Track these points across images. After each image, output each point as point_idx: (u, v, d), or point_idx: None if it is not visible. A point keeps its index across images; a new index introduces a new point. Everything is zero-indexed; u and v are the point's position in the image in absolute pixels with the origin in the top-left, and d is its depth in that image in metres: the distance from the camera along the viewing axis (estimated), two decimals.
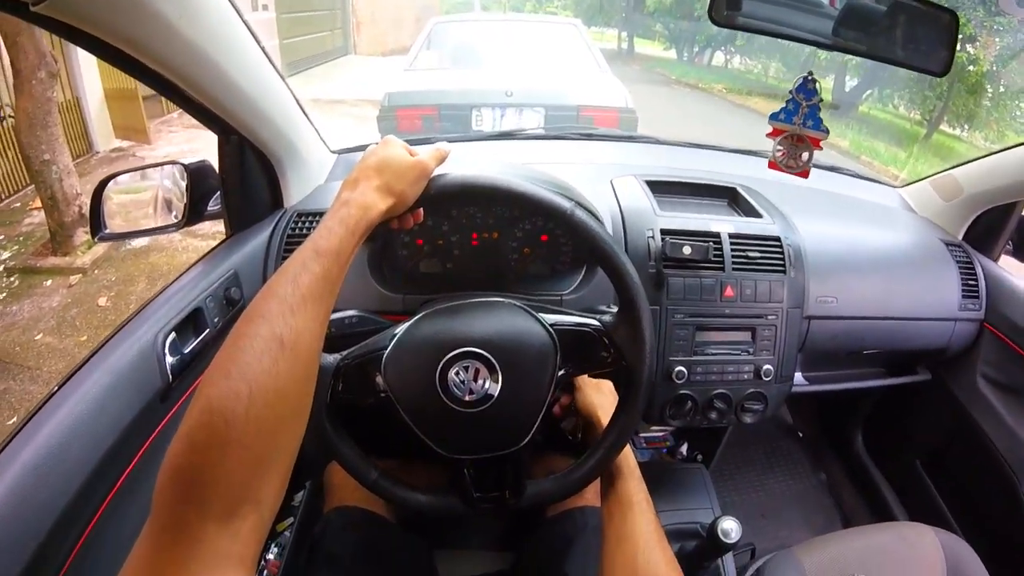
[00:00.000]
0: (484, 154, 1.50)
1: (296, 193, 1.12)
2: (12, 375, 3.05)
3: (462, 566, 1.03)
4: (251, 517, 0.45)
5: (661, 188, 1.20)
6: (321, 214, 1.05)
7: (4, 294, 3.72)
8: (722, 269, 1.04)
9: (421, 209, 0.71)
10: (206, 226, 3.84)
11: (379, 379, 0.71)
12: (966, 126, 7.84)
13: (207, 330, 0.90)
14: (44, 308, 3.59)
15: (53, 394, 0.70)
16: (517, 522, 1.11)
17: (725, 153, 1.59)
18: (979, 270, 1.27)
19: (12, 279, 3.87)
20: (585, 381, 0.92)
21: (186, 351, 0.85)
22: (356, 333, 0.81)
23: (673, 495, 1.29)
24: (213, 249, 1.01)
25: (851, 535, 1.07)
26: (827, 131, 0.96)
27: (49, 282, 3.83)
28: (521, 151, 1.57)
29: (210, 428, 0.44)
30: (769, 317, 1.05)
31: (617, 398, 0.90)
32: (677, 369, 1.02)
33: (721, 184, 1.26)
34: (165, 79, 0.76)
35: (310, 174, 1.16)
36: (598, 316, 0.75)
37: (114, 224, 1.00)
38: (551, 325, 0.72)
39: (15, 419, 2.76)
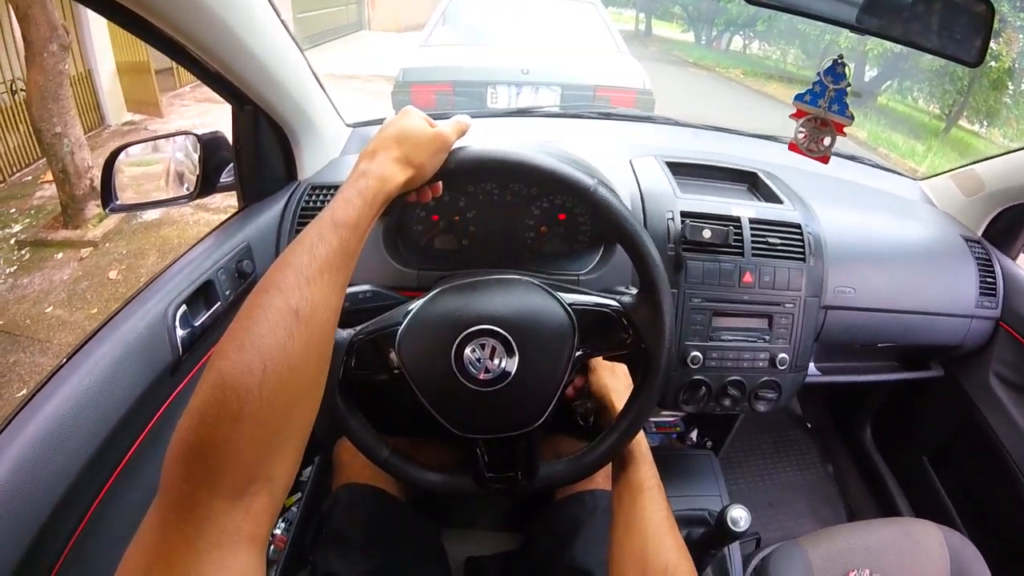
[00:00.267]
0: (503, 130, 1.48)
1: (310, 166, 1.11)
2: (22, 347, 3.08)
3: (470, 545, 1.03)
4: (262, 495, 0.44)
5: (681, 170, 1.18)
6: (335, 188, 1.04)
7: (15, 267, 3.75)
8: (741, 254, 1.02)
9: (440, 182, 0.69)
10: (217, 200, 3.86)
11: (393, 355, 0.70)
12: (985, 122, 7.74)
13: (218, 303, 0.89)
14: (55, 281, 3.61)
15: (62, 366, 0.69)
16: (526, 503, 1.10)
17: (744, 137, 1.56)
18: (997, 268, 1.25)
19: (23, 252, 3.90)
20: (599, 364, 0.91)
21: (197, 324, 0.84)
22: (370, 308, 0.80)
23: (682, 481, 1.29)
24: (225, 221, 1.00)
25: (856, 528, 1.07)
26: (852, 117, 0.94)
27: (60, 255, 3.86)
28: (538, 128, 1.55)
29: (222, 403, 0.43)
30: (787, 305, 1.04)
31: (631, 382, 0.90)
32: (692, 354, 1.01)
33: (742, 168, 1.24)
34: (181, 46, 0.75)
35: (325, 147, 1.15)
36: (617, 297, 0.74)
37: (125, 196, 1.00)
38: (569, 304, 0.71)
39: (25, 391, 2.79)
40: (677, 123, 1.58)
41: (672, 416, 1.50)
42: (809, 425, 1.91)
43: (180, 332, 0.80)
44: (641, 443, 0.80)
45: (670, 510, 0.74)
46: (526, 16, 4.67)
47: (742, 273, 1.02)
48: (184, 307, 0.82)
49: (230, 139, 1.01)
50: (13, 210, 4.41)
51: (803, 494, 1.72)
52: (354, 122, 1.30)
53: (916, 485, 1.58)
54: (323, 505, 0.96)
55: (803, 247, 1.05)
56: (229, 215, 1.03)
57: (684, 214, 1.04)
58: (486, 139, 0.70)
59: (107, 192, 0.97)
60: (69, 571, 0.64)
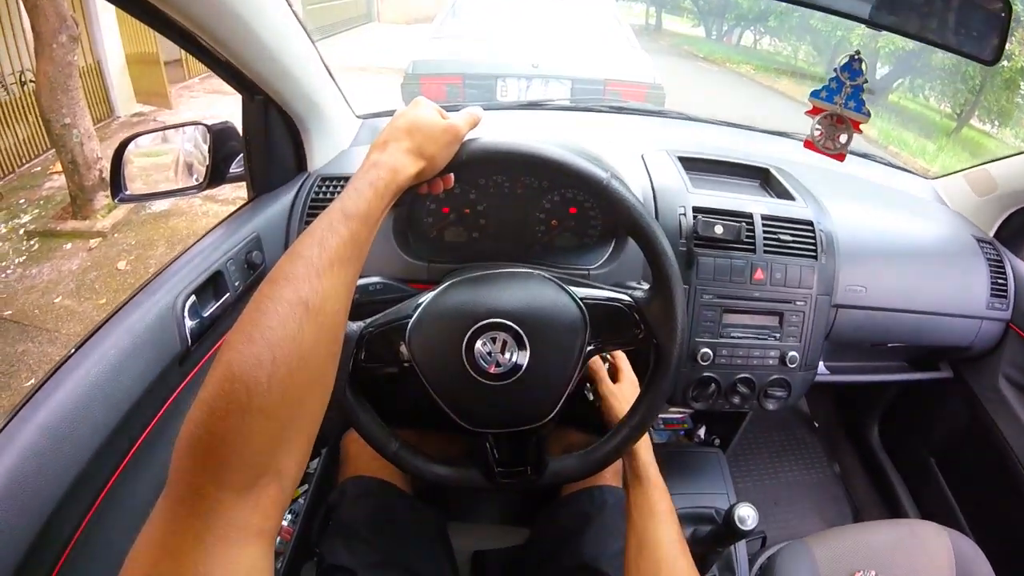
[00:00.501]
0: (514, 123, 1.47)
1: (320, 157, 1.10)
2: (31, 337, 3.10)
3: (476, 539, 1.03)
4: (271, 488, 0.44)
5: (693, 165, 1.18)
6: (345, 179, 1.04)
7: (24, 257, 3.77)
8: (753, 251, 1.02)
9: (451, 174, 0.69)
10: (226, 191, 3.87)
11: (403, 348, 0.70)
12: (997, 122, 7.67)
13: (227, 294, 0.89)
14: (63, 271, 3.63)
15: (70, 356, 0.69)
16: (532, 498, 1.10)
17: (756, 133, 1.55)
18: (1009, 269, 1.24)
19: (32, 242, 3.91)
20: (606, 375, 0.91)
21: (206, 315, 0.84)
22: (380, 300, 0.80)
23: (689, 478, 1.29)
24: (235, 212, 1.00)
25: (862, 529, 1.07)
26: (869, 114, 0.93)
27: (69, 245, 3.87)
28: (549, 121, 1.55)
29: (231, 395, 0.42)
30: (798, 303, 1.03)
31: (637, 390, 0.90)
32: (703, 351, 1.01)
33: (754, 164, 1.23)
34: (191, 35, 0.74)
35: (335, 138, 1.14)
36: (629, 292, 0.73)
37: (135, 187, 1.00)
38: (581, 299, 0.71)
39: (33, 381, 2.80)
40: (688, 118, 1.57)
41: (680, 413, 1.50)
42: (816, 424, 1.90)
43: (189, 323, 0.80)
44: (651, 466, 0.81)
45: (681, 533, 0.76)
46: (536, 9, 4.66)
47: (753, 270, 1.01)
48: (193, 298, 0.82)
49: (240, 130, 1.01)
50: (22, 200, 4.43)
51: (809, 493, 1.71)
52: (364, 113, 1.30)
53: (923, 486, 1.57)
54: (330, 497, 0.96)
55: (815, 244, 1.04)
56: (238, 206, 1.03)
57: (696, 209, 1.03)
58: (498, 132, 0.70)
59: (116, 182, 0.97)
60: (76, 561, 0.64)
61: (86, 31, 5.27)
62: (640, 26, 14.27)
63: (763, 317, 1.03)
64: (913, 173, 1.56)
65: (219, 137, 0.99)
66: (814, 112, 0.93)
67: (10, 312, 3.27)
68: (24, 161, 4.95)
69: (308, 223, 1.01)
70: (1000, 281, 1.22)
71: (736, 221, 1.01)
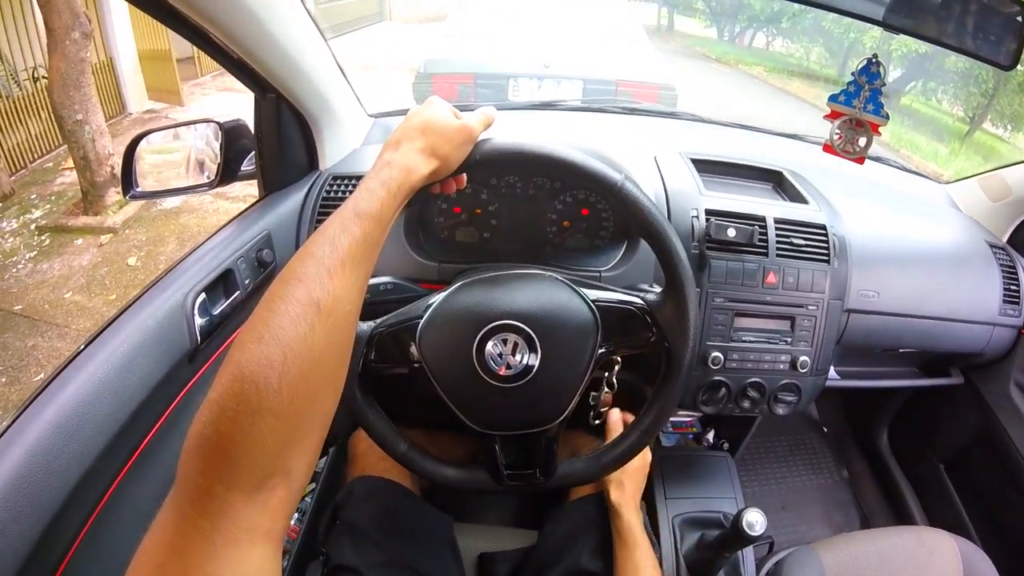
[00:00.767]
0: (526, 123, 1.47)
1: (332, 155, 1.10)
2: (41, 332, 3.12)
3: (482, 541, 1.03)
4: (280, 489, 0.43)
5: (706, 167, 1.17)
6: (357, 177, 1.04)
7: (35, 252, 3.80)
8: (766, 254, 1.01)
9: (464, 175, 0.69)
10: (237, 188, 3.88)
11: (413, 349, 0.70)
12: (1010, 126, 7.58)
13: (237, 292, 0.89)
14: (74, 267, 3.66)
15: (80, 352, 0.69)
16: (539, 502, 1.10)
17: (769, 135, 1.54)
18: (1022, 275, 1.23)
19: (43, 237, 3.95)
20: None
21: (215, 313, 0.84)
22: (390, 300, 0.80)
23: (697, 482, 1.28)
24: (246, 210, 1.00)
25: (871, 536, 1.06)
26: (887, 116, 0.92)
27: (80, 241, 3.91)
28: (561, 122, 1.54)
29: (240, 396, 0.42)
30: (810, 307, 1.02)
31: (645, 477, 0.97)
32: (713, 355, 1.00)
33: (767, 167, 1.22)
34: (204, 32, 0.74)
35: (346, 137, 1.14)
36: (641, 295, 0.73)
37: (146, 183, 1.00)
38: (593, 301, 0.71)
39: (42, 375, 2.83)
40: (701, 120, 1.56)
41: (689, 416, 1.49)
42: (825, 429, 1.89)
43: (199, 320, 0.80)
44: (636, 527, 0.89)
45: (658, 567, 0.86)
46: (548, 9, 4.65)
47: (766, 273, 1.01)
48: (203, 295, 0.82)
49: (251, 127, 1.01)
50: (34, 196, 4.47)
51: (817, 498, 1.70)
52: (376, 112, 1.30)
53: (931, 493, 1.56)
54: (337, 496, 0.96)
55: (828, 249, 1.03)
56: (249, 204, 1.03)
57: (709, 212, 1.03)
58: (510, 132, 0.70)
59: (128, 179, 0.97)
60: (82, 558, 0.64)
61: (99, 27, 5.32)
62: (652, 27, 14.22)
63: (775, 321, 1.03)
64: (926, 177, 1.55)
65: (231, 135, 0.99)
66: (833, 116, 0.93)
67: (21, 307, 3.30)
68: (36, 157, 4.99)
69: (319, 222, 1.01)
70: (1013, 287, 1.21)
71: (749, 224, 1.00)
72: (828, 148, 0.95)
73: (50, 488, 0.59)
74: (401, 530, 0.92)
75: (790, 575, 0.98)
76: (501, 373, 0.67)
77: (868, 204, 1.26)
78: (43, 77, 4.66)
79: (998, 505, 1.35)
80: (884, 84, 0.89)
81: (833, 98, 0.91)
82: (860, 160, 0.94)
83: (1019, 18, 0.85)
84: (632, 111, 1.60)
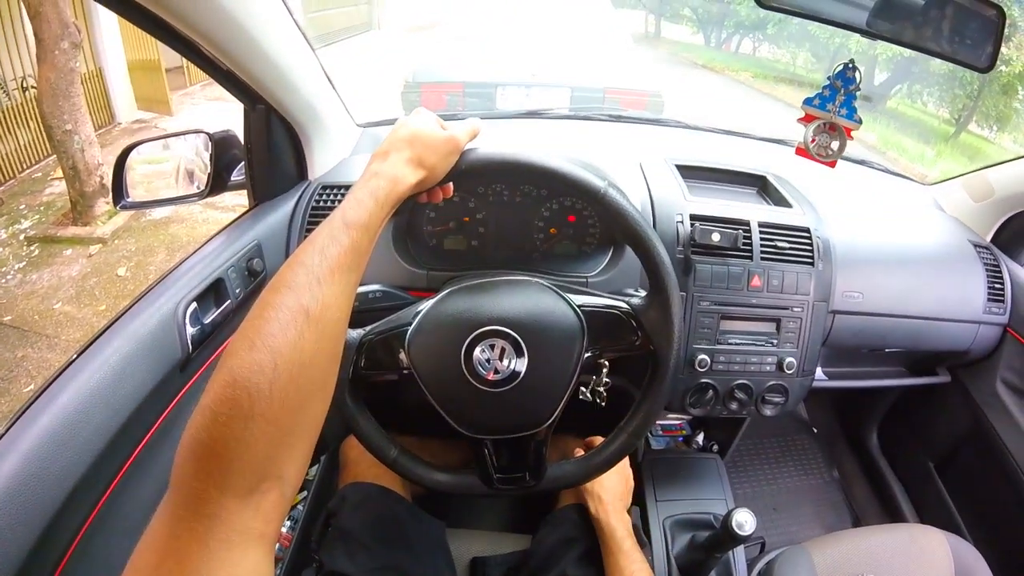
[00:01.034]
0: (513, 132, 1.48)
1: (321, 165, 1.11)
2: (30, 343, 3.10)
3: (475, 546, 1.03)
4: (272, 493, 0.44)
5: (690, 173, 1.18)
6: (346, 187, 1.05)
7: (24, 263, 3.77)
8: (750, 258, 1.02)
9: (450, 184, 0.70)
10: (226, 198, 3.88)
11: (403, 355, 0.70)
12: (995, 127, 7.67)
13: (228, 301, 0.89)
14: (63, 277, 3.64)
15: (72, 361, 0.70)
16: (532, 507, 1.11)
17: (754, 140, 1.56)
18: (1006, 274, 1.24)
19: (32, 248, 3.92)
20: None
21: (207, 322, 0.85)
22: (380, 308, 0.81)
23: (687, 484, 1.29)
24: (236, 219, 1.01)
25: (861, 534, 1.07)
26: (860, 121, 0.94)
27: (69, 251, 3.88)
28: (548, 130, 1.56)
29: (233, 401, 0.43)
30: (795, 309, 1.04)
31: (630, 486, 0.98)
32: (700, 357, 1.01)
33: (751, 172, 1.24)
34: (194, 44, 0.75)
35: (335, 147, 1.15)
36: (627, 299, 0.74)
37: (136, 193, 1.00)
38: (579, 306, 0.72)
39: (32, 386, 2.81)
40: (687, 126, 1.58)
41: (678, 419, 1.50)
42: (815, 430, 1.90)
43: (190, 329, 0.81)
44: (623, 536, 0.90)
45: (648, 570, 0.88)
46: (535, 17, 4.68)
47: (751, 276, 1.02)
48: (194, 304, 0.82)
49: (241, 138, 1.02)
50: (23, 206, 4.44)
51: (808, 499, 1.71)
52: (364, 122, 1.31)
53: (922, 491, 1.57)
54: (329, 503, 0.97)
55: (812, 251, 1.05)
56: (239, 214, 1.04)
57: (693, 217, 1.04)
58: (497, 141, 0.71)
59: (118, 189, 0.97)
60: (76, 565, 0.64)
61: (88, 38, 5.29)
62: (640, 34, 14.31)
63: (760, 324, 1.04)
64: (910, 179, 1.57)
65: (221, 145, 0.99)
66: (807, 119, 0.94)
67: (10, 317, 3.28)
68: (25, 167, 4.96)
69: (309, 231, 1.01)
70: (997, 286, 1.22)
71: (733, 228, 1.02)
72: (801, 151, 0.96)
73: (44, 496, 0.59)
74: (394, 536, 0.93)
75: (781, 574, 0.99)
76: (489, 378, 0.68)
77: (852, 207, 1.28)
78: (32, 87, 4.63)
79: (988, 501, 1.36)
80: (859, 89, 0.90)
81: (808, 101, 0.93)
82: (832, 163, 0.96)
83: (996, 21, 0.87)
84: (618, 119, 1.61)
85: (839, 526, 1.65)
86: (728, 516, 0.95)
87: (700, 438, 1.48)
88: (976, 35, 0.89)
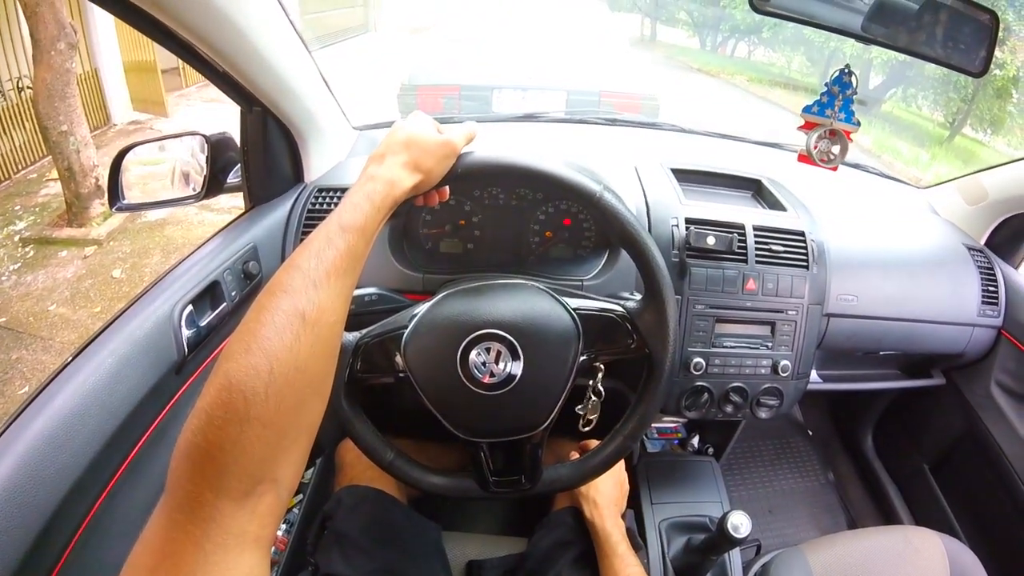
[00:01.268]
0: (510, 135, 1.48)
1: (317, 168, 1.11)
2: (25, 344, 3.09)
3: (471, 549, 1.03)
4: (268, 496, 0.45)
5: (686, 176, 1.19)
6: (342, 190, 1.05)
7: (19, 264, 3.76)
8: (745, 261, 1.03)
9: (447, 187, 0.70)
10: (222, 201, 3.87)
11: (398, 359, 0.70)
12: (989, 130, 7.70)
13: (224, 304, 0.89)
14: (58, 279, 3.62)
15: (68, 363, 0.69)
16: (527, 510, 1.11)
17: (749, 144, 1.57)
18: (1000, 277, 1.25)
19: (27, 249, 3.91)
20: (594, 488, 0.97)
21: (202, 324, 0.85)
22: (376, 311, 0.81)
23: (683, 487, 1.29)
24: (232, 222, 1.01)
25: (857, 536, 1.07)
26: (858, 123, 0.95)
27: (64, 253, 3.87)
28: (544, 134, 1.56)
29: (229, 405, 0.43)
30: (790, 312, 1.04)
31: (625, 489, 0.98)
32: (695, 360, 1.01)
33: (746, 175, 1.24)
34: (192, 47, 0.75)
35: (332, 149, 1.15)
36: (622, 302, 0.74)
37: (132, 195, 1.00)
38: (575, 309, 0.72)
39: (27, 388, 2.80)
40: (682, 130, 1.58)
41: (674, 422, 1.51)
42: (810, 432, 1.91)
43: (186, 332, 0.81)
44: (617, 540, 0.90)
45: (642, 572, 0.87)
46: (532, 20, 4.70)
47: (745, 280, 1.02)
48: (190, 307, 0.82)
49: (237, 140, 1.02)
50: (18, 207, 4.42)
51: (804, 501, 1.72)
52: (361, 125, 1.31)
53: (917, 493, 1.58)
54: (325, 506, 0.97)
55: (806, 255, 1.05)
56: (235, 216, 1.04)
57: (689, 221, 1.04)
58: (493, 144, 0.71)
59: (114, 191, 0.97)
60: (72, 568, 0.64)
61: (84, 38, 5.29)
62: (635, 37, 14.34)
63: (755, 327, 1.04)
64: (904, 183, 1.58)
65: (217, 147, 0.99)
66: (808, 127, 0.95)
67: (4, 319, 3.26)
68: (20, 167, 4.95)
69: (305, 234, 1.01)
70: (991, 288, 1.23)
71: (728, 232, 1.02)
72: (804, 158, 0.97)
73: (40, 499, 0.59)
74: (390, 539, 0.93)
75: None
76: (485, 381, 0.68)
77: (846, 210, 1.28)
78: (28, 87, 4.63)
79: (983, 503, 1.37)
80: (856, 93, 0.91)
81: (807, 109, 0.93)
82: (835, 168, 0.96)
83: (989, 26, 0.88)
84: (614, 122, 1.61)
85: (834, 528, 1.65)
86: (724, 519, 0.95)
87: (695, 441, 1.49)
88: (970, 40, 0.90)
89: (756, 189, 1.24)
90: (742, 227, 1.05)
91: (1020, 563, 1.22)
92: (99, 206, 4.06)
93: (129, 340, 0.73)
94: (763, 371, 1.04)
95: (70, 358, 0.70)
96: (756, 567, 1.11)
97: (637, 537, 1.02)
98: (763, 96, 9.59)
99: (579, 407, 0.91)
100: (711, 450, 1.47)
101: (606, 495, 0.95)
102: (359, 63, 8.79)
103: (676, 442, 1.52)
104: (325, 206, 1.05)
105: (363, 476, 0.98)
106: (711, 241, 1.00)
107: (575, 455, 0.84)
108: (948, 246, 1.27)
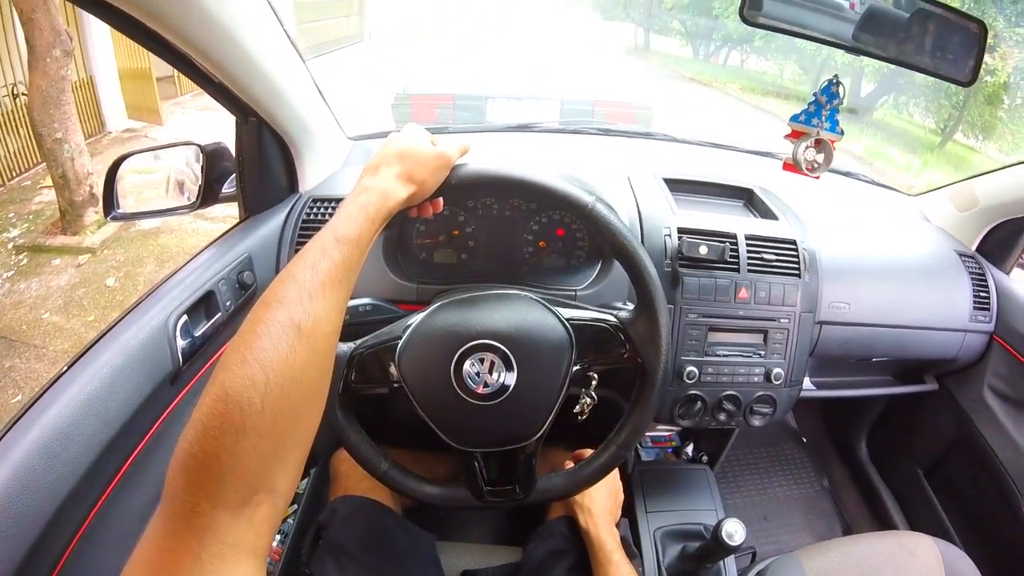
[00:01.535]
0: (504, 146, 1.49)
1: (312, 178, 1.12)
2: (18, 353, 3.07)
3: (465, 559, 1.03)
4: (264, 506, 0.45)
5: (678, 186, 1.20)
6: (336, 200, 1.06)
7: (12, 272, 3.74)
8: (737, 270, 1.03)
9: (440, 198, 0.71)
10: (216, 209, 3.86)
11: (393, 369, 0.71)
12: (981, 136, 7.77)
13: (219, 314, 0.89)
14: (52, 287, 3.60)
15: (63, 373, 0.70)
16: (522, 519, 1.11)
17: (741, 153, 1.58)
18: (991, 282, 1.26)
19: (21, 257, 3.88)
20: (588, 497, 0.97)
21: (197, 334, 0.85)
22: (370, 322, 0.81)
23: (677, 495, 1.29)
24: (227, 232, 1.01)
25: (852, 542, 1.07)
26: (842, 132, 0.97)
27: (58, 261, 3.85)
28: (538, 144, 1.57)
29: (225, 415, 0.44)
30: (782, 320, 1.05)
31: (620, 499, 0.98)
32: (688, 369, 1.02)
33: (738, 185, 1.25)
34: (190, 59, 0.75)
35: (326, 160, 1.15)
36: (615, 312, 0.75)
37: (127, 204, 1.00)
38: (568, 319, 0.72)
39: (20, 396, 2.78)
40: (675, 139, 1.60)
41: (668, 430, 1.51)
42: (804, 439, 1.91)
43: (181, 342, 0.81)
44: (611, 549, 0.90)
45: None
46: (526, 30, 4.73)
47: (738, 289, 1.03)
48: (185, 317, 0.82)
49: (232, 150, 1.02)
50: (12, 214, 4.40)
51: (799, 508, 1.72)
52: (355, 135, 1.31)
53: (911, 498, 1.58)
54: (320, 516, 0.96)
55: (798, 263, 1.06)
56: (230, 226, 1.04)
57: (681, 230, 1.05)
58: (487, 155, 0.72)
59: (109, 200, 0.97)
60: None
61: (80, 46, 5.27)
62: (629, 46, 14.42)
63: (748, 335, 1.05)
64: (896, 190, 1.59)
65: (212, 157, 1.00)
66: (794, 136, 0.96)
67: None
68: (14, 174, 4.92)
69: (299, 244, 1.02)
70: (983, 294, 1.24)
71: (720, 241, 1.03)
72: (789, 167, 0.98)
73: (35, 508, 0.59)
74: (385, 549, 0.93)
75: None
76: (479, 391, 0.68)
77: (838, 218, 1.30)
78: (23, 94, 4.61)
79: (977, 507, 1.37)
80: (842, 103, 0.92)
81: (795, 118, 0.95)
82: (817, 177, 0.98)
83: (978, 35, 0.89)
84: (607, 132, 1.62)
85: (830, 534, 1.66)
86: (718, 526, 0.96)
87: (690, 449, 1.49)
88: (958, 49, 0.91)
89: (748, 198, 1.25)
90: (734, 236, 1.05)
91: (1014, 565, 1.23)
92: (93, 214, 4.04)
93: (124, 350, 0.73)
94: (756, 379, 1.05)
95: (65, 367, 0.70)
96: (751, 574, 1.11)
97: (632, 546, 1.02)
98: (756, 105, 9.66)
99: (575, 408, 0.92)
100: (705, 458, 1.47)
101: (600, 504, 0.95)
102: (353, 72, 8.80)
103: (670, 450, 1.52)
104: (320, 216, 1.05)
105: (358, 486, 0.98)
106: (703, 250, 1.01)
107: (569, 464, 0.84)
108: (939, 253, 1.28)
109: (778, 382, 1.05)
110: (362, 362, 0.72)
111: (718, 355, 1.04)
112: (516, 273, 1.08)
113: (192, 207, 1.02)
